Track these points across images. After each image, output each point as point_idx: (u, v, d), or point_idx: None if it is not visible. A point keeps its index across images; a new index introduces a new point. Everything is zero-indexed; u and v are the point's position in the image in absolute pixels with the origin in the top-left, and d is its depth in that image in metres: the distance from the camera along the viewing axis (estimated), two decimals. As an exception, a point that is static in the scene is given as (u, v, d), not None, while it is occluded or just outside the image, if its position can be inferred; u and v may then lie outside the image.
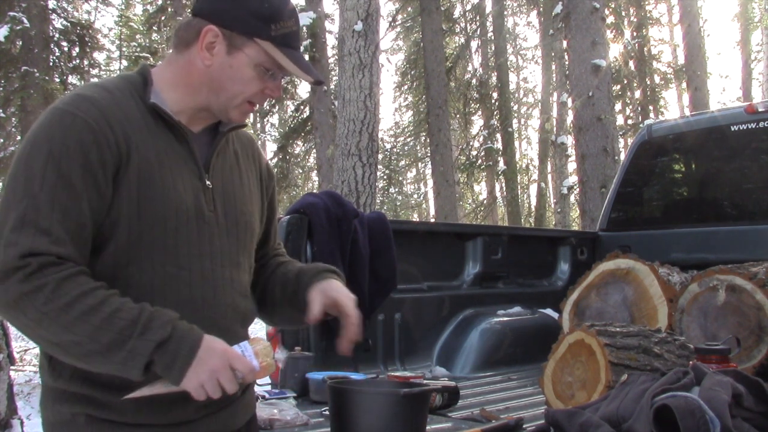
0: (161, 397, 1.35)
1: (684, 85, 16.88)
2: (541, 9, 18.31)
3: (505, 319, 3.74)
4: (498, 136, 18.66)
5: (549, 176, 21.69)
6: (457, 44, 19.89)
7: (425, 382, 2.59)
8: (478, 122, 21.01)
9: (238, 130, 1.59)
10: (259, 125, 24.38)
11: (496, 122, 18.38)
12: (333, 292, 1.56)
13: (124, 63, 21.21)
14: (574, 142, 10.25)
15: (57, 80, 15.53)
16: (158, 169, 1.38)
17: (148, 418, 1.39)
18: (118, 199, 1.34)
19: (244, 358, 1.33)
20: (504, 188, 19.96)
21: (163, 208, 1.37)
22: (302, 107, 16.08)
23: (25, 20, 13.93)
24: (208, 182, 1.47)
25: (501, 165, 18.57)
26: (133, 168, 1.35)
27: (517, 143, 23.92)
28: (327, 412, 2.35)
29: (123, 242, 1.34)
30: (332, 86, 13.28)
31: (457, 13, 19.69)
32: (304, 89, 17.76)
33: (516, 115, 23.80)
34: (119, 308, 1.26)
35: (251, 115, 1.60)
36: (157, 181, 1.37)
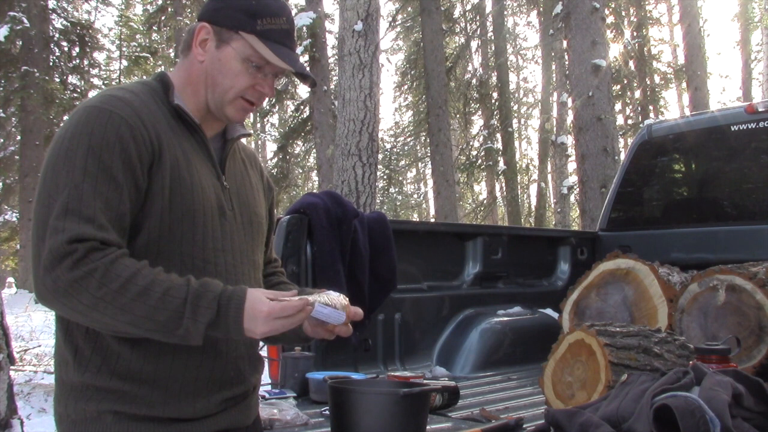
0: (188, 389, 1.42)
1: (684, 85, 16.89)
2: (541, 9, 18.31)
3: (505, 319, 3.74)
4: (498, 136, 18.68)
5: (549, 176, 21.70)
6: (457, 44, 19.90)
7: (425, 382, 2.59)
8: (478, 122, 21.05)
9: (242, 139, 1.66)
10: (259, 125, 24.38)
11: (496, 122, 18.40)
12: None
13: (124, 63, 21.21)
14: (574, 142, 10.25)
15: (57, 80, 15.54)
16: (186, 167, 1.44)
17: (176, 410, 1.41)
18: (151, 193, 1.39)
19: (287, 306, 1.35)
20: (504, 188, 19.99)
21: (192, 203, 1.43)
22: (302, 107, 16.08)
23: (25, 20, 13.94)
24: (225, 183, 1.54)
25: (501, 165, 18.58)
26: (165, 164, 1.40)
27: (517, 143, 23.94)
28: (327, 412, 2.35)
29: (154, 234, 1.39)
30: (332, 86, 13.28)
31: (457, 13, 19.71)
32: (304, 89, 17.77)
33: (516, 115, 23.81)
34: (170, 287, 1.31)
35: (251, 114, 1.63)
36: (186, 178, 1.43)
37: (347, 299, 1.50)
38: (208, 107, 1.52)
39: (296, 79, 1.65)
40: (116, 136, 1.35)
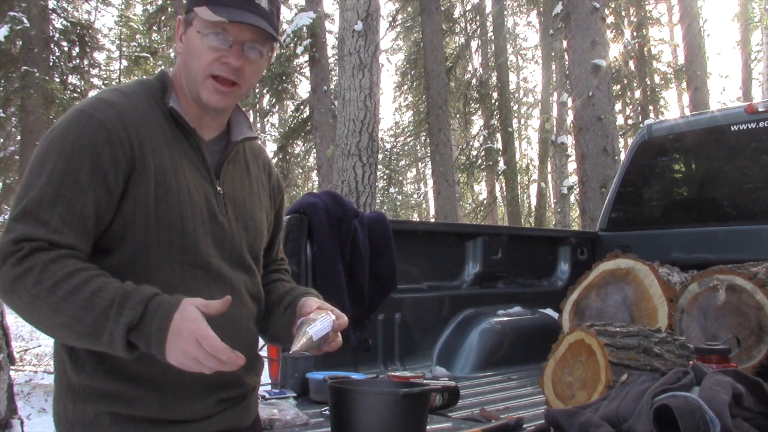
0: (184, 391, 1.40)
1: (684, 85, 16.88)
2: (541, 9, 18.32)
3: (505, 319, 3.74)
4: (498, 136, 18.68)
5: (549, 176, 21.70)
6: (457, 44, 19.90)
7: (425, 382, 2.59)
8: (478, 122, 21.05)
9: (251, 141, 1.63)
10: (259, 125, 24.39)
11: (496, 122, 18.40)
12: (320, 301, 1.58)
13: (124, 63, 21.22)
14: (574, 142, 10.25)
15: (57, 80, 15.52)
16: (173, 173, 1.42)
17: (172, 412, 1.41)
18: (134, 200, 1.37)
19: (212, 340, 1.24)
20: (504, 188, 19.98)
21: (180, 210, 1.41)
22: (302, 107, 16.08)
23: (25, 20, 13.92)
24: (219, 188, 1.51)
25: (501, 165, 18.58)
26: (149, 171, 1.38)
27: (517, 143, 23.94)
28: (327, 412, 2.35)
29: (140, 242, 1.38)
30: (332, 86, 13.28)
31: (457, 13, 19.71)
32: (304, 89, 17.77)
33: (516, 115, 23.81)
34: (101, 288, 1.26)
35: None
36: (173, 185, 1.41)
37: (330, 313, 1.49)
38: (193, 100, 1.48)
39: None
40: (89, 140, 1.34)
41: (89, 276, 1.27)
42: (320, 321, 1.45)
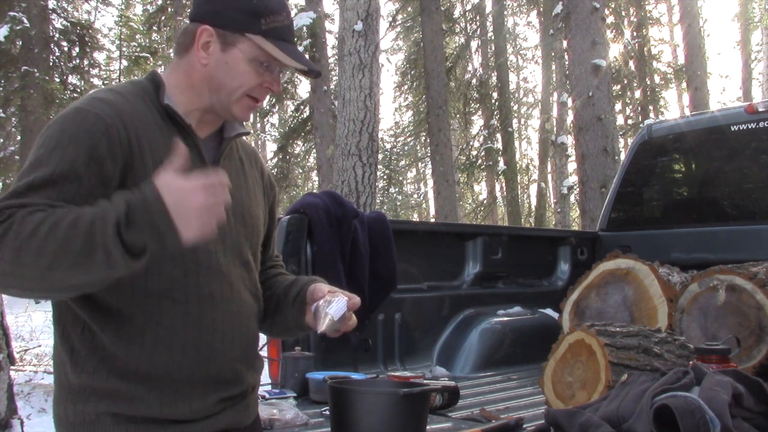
0: (184, 390, 1.40)
1: (684, 85, 16.89)
2: (541, 9, 18.33)
3: (505, 319, 3.74)
4: (498, 136, 18.69)
5: (549, 176, 21.71)
6: (457, 44, 19.91)
7: (425, 382, 2.59)
8: (478, 122, 21.07)
9: (242, 137, 1.64)
10: (259, 125, 24.40)
11: (496, 122, 18.41)
12: (329, 285, 1.62)
13: (124, 63, 21.23)
14: (574, 142, 10.25)
15: (57, 80, 15.54)
16: None
17: (173, 411, 1.41)
18: None
19: (199, 180, 1.24)
20: (504, 188, 20.00)
21: None
22: (302, 107, 16.10)
23: (25, 20, 13.94)
24: None
25: (501, 165, 18.59)
26: (148, 167, 1.38)
27: (517, 143, 23.95)
28: (327, 412, 2.35)
29: None
30: (332, 86, 13.29)
31: (457, 13, 19.72)
32: (304, 89, 17.79)
33: (516, 115, 23.82)
34: (79, 215, 1.21)
35: (251, 114, 1.61)
36: None
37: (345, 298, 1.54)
38: (212, 108, 1.51)
39: (299, 76, 1.63)
40: (86, 132, 1.34)
41: (65, 212, 1.22)
42: (336, 302, 1.51)
